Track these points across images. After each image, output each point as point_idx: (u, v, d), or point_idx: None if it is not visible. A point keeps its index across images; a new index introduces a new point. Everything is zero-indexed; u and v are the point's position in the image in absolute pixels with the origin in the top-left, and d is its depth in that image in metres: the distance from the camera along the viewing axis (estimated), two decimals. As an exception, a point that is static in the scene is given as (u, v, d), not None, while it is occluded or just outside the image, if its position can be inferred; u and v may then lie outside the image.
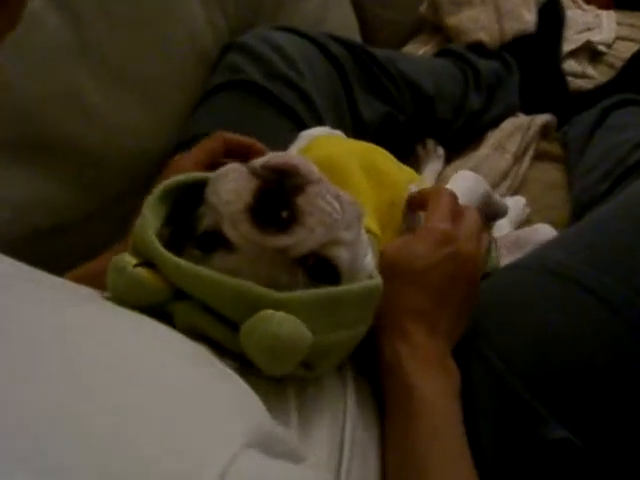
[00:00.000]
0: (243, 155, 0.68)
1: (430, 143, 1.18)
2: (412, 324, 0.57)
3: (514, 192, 1.14)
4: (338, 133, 0.85)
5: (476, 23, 1.34)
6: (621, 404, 0.59)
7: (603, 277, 0.64)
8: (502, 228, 1.04)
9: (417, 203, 0.68)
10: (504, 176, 1.16)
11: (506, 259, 0.86)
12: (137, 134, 0.91)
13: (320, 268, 0.51)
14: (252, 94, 0.96)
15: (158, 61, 0.92)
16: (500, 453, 0.59)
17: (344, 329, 0.51)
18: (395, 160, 0.75)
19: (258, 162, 0.51)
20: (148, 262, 0.50)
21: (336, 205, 0.50)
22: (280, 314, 0.46)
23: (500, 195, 1.14)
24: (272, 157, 0.51)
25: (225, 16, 1.05)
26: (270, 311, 0.46)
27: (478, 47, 1.31)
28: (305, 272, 0.50)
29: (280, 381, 0.51)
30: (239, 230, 0.49)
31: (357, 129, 1.04)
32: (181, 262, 0.49)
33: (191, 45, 0.98)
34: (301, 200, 0.49)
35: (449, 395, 0.56)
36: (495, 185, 1.15)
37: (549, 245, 0.75)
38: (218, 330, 0.49)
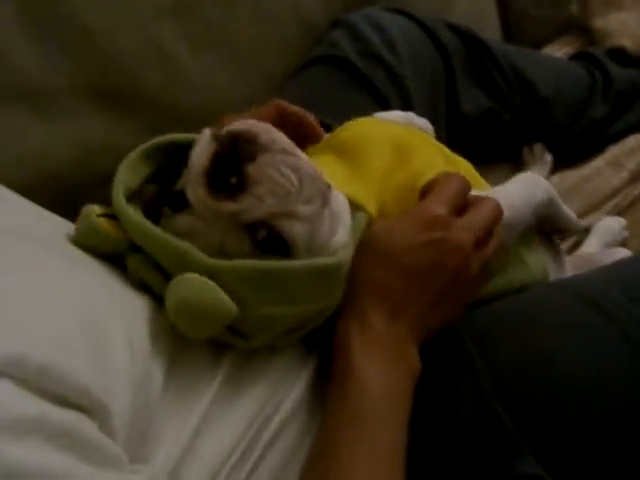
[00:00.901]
0: (295, 126, 0.67)
1: (538, 148, 1.11)
2: (372, 304, 0.54)
3: (619, 212, 1.04)
4: (421, 122, 0.82)
5: (622, 27, 1.23)
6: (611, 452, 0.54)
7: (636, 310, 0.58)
8: (590, 246, 0.96)
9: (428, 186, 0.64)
10: (614, 194, 1.06)
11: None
12: (224, 96, 0.93)
13: (270, 240, 0.50)
14: (342, 70, 0.95)
15: (255, 26, 0.94)
16: (464, 456, 0.57)
17: (287, 304, 0.50)
18: (445, 151, 0.71)
19: (225, 128, 0.51)
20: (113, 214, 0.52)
21: (292, 177, 0.49)
22: (200, 279, 0.46)
23: (605, 213, 1.06)
24: (235, 123, 0.51)
25: (340, -9, 1.05)
26: (193, 275, 0.47)
27: (619, 53, 1.20)
28: (252, 242, 0.50)
29: (219, 346, 0.51)
30: (196, 193, 0.49)
31: (452, 120, 1.00)
32: (133, 215, 0.51)
33: (295, 14, 0.99)
34: (252, 168, 0.49)
35: (395, 385, 0.52)
36: (601, 202, 1.06)
37: (596, 270, 0.69)
38: (160, 286, 0.50)
